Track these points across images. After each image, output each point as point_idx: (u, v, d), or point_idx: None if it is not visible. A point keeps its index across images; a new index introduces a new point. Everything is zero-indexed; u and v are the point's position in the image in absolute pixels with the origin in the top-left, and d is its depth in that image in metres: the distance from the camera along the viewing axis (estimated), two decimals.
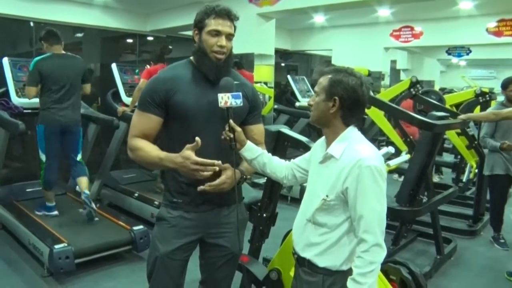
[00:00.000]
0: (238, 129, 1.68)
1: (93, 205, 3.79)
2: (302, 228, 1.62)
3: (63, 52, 3.85)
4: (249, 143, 1.74)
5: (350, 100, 1.50)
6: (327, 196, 1.51)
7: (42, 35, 3.83)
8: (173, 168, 1.67)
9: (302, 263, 1.62)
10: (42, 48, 3.87)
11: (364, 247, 1.42)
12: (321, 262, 1.54)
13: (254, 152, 1.75)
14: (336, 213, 1.51)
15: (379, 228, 1.44)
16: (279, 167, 1.79)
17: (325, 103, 1.52)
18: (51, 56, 3.76)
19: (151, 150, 1.71)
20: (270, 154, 1.81)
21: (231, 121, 1.65)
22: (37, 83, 3.65)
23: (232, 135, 1.66)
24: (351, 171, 1.45)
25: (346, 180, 1.46)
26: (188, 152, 1.60)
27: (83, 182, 3.94)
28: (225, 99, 1.62)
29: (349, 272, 1.48)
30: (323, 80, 1.54)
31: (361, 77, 1.53)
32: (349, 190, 1.46)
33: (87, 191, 3.84)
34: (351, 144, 1.51)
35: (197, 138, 1.60)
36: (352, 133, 1.54)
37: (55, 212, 3.98)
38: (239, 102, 1.65)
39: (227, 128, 1.66)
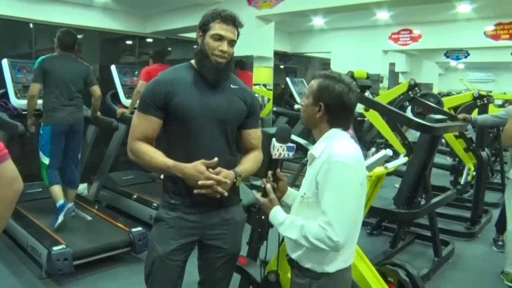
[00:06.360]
0: (284, 178, 1.70)
1: (73, 213, 3.80)
2: None
3: (70, 54, 3.86)
4: (290, 189, 1.74)
5: (335, 106, 1.51)
6: (304, 193, 1.54)
7: (58, 34, 3.82)
8: (178, 176, 1.69)
9: (292, 264, 1.63)
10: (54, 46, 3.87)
11: (320, 234, 1.40)
12: (305, 263, 1.55)
13: (294, 195, 1.72)
14: (314, 210, 1.50)
15: (340, 226, 1.40)
16: None
17: (312, 107, 1.54)
18: (56, 56, 3.81)
19: (157, 156, 1.72)
20: None
21: (278, 170, 1.67)
22: (41, 80, 3.67)
23: (276, 185, 1.67)
24: (321, 166, 1.46)
25: (318, 175, 1.47)
26: (203, 168, 1.64)
27: (71, 194, 3.97)
28: (280, 151, 1.64)
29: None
30: (314, 83, 1.56)
31: (349, 84, 1.53)
32: (319, 184, 1.47)
33: (71, 205, 3.80)
34: (331, 143, 1.51)
35: (215, 159, 1.65)
36: (335, 133, 1.55)
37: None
38: (291, 155, 1.67)
39: (269, 175, 1.66)
